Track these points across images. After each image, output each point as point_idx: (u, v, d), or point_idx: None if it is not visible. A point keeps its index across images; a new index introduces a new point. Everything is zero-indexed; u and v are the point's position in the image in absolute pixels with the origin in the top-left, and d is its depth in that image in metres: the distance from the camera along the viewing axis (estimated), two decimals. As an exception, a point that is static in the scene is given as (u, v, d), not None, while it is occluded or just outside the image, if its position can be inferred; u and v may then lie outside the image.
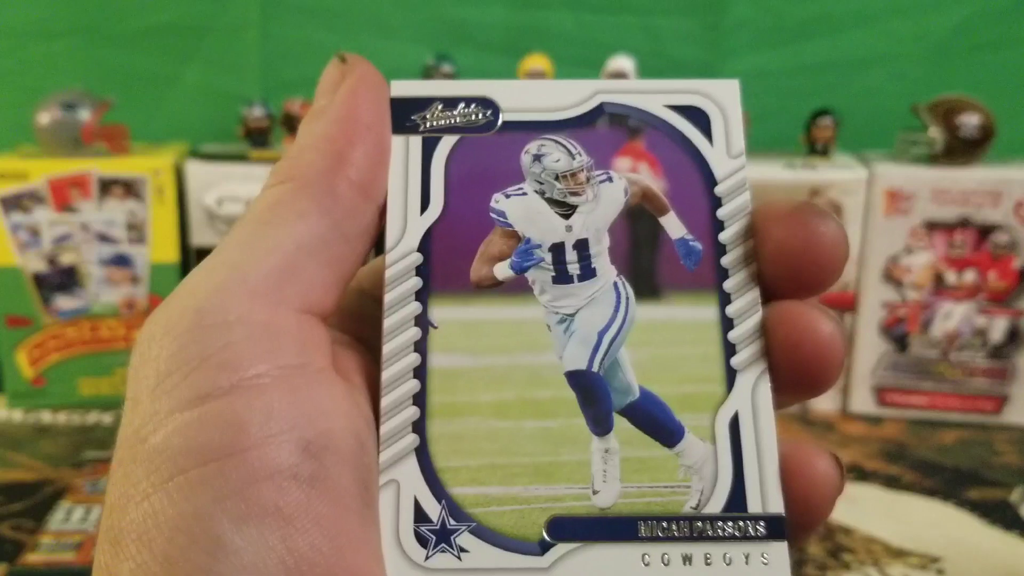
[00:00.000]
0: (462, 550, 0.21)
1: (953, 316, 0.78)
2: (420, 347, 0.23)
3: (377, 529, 0.21)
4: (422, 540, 0.22)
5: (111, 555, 0.19)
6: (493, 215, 0.24)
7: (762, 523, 0.21)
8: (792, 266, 0.23)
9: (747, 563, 0.21)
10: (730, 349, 0.23)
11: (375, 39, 0.90)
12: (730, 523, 0.22)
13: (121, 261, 0.78)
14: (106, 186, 0.76)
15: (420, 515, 0.22)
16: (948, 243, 0.77)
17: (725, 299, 0.23)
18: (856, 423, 0.79)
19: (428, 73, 0.80)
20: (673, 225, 0.24)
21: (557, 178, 0.25)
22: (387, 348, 0.23)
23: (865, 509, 0.65)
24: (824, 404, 0.81)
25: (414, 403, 0.23)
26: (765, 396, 0.23)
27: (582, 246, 0.25)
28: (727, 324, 0.23)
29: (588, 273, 0.24)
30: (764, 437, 0.22)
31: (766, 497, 0.22)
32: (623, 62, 0.79)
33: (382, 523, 0.22)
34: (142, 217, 0.77)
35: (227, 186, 0.77)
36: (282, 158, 0.23)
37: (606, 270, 0.24)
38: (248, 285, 0.21)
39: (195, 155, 0.79)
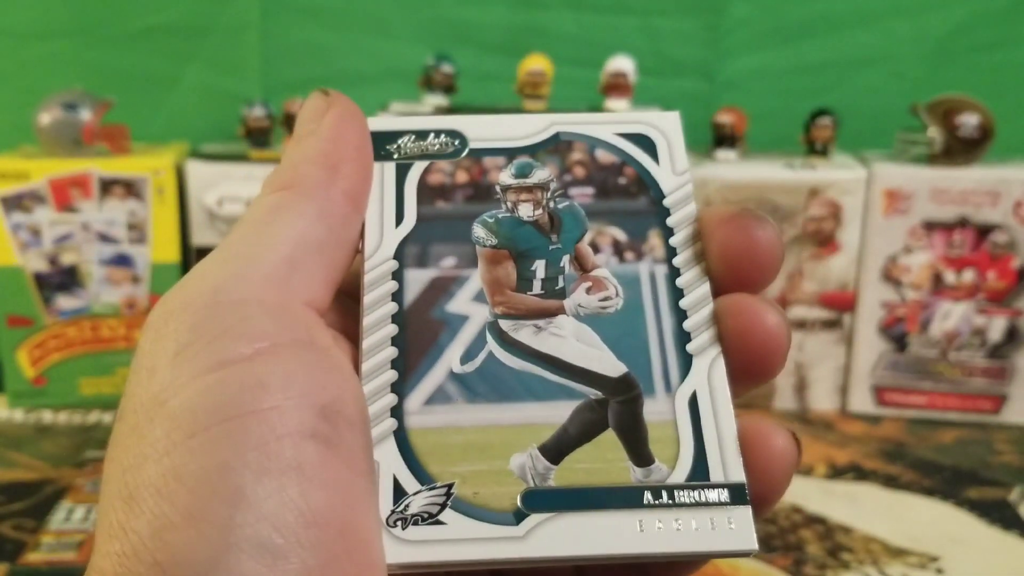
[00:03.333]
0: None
1: (952, 316, 0.78)
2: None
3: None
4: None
5: (125, 512, 0.20)
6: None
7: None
8: (734, 265, 0.25)
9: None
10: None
11: (375, 39, 0.90)
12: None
13: (122, 261, 0.78)
14: (107, 186, 0.76)
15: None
16: (947, 243, 0.77)
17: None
18: (855, 423, 0.79)
19: (428, 73, 0.80)
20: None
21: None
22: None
23: (864, 509, 0.65)
24: (823, 404, 0.81)
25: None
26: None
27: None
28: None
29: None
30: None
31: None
32: (623, 62, 0.79)
33: None
34: (143, 217, 0.77)
35: (227, 186, 0.77)
36: (274, 171, 0.25)
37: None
38: (260, 271, 0.22)
39: (195, 155, 0.79)
